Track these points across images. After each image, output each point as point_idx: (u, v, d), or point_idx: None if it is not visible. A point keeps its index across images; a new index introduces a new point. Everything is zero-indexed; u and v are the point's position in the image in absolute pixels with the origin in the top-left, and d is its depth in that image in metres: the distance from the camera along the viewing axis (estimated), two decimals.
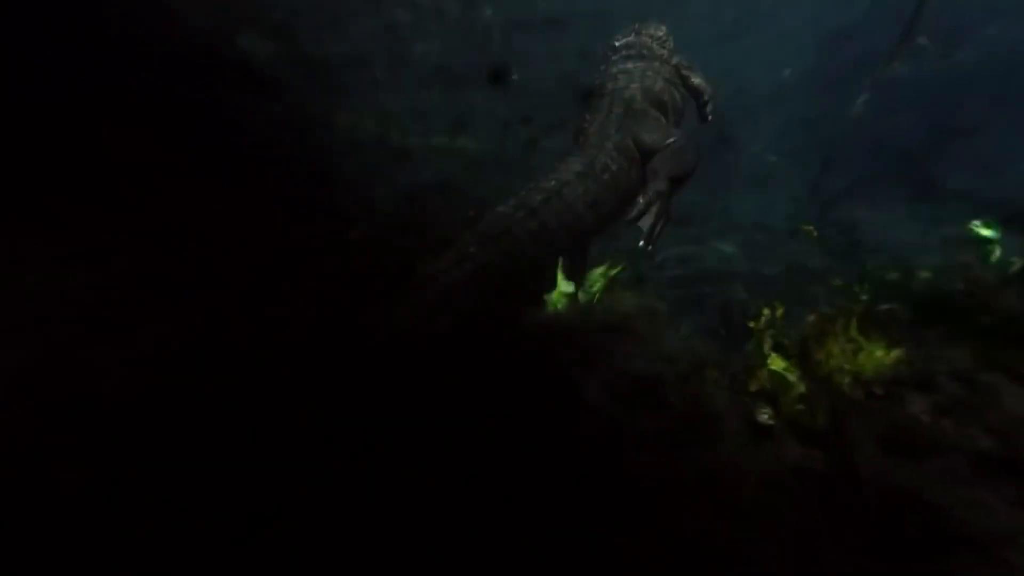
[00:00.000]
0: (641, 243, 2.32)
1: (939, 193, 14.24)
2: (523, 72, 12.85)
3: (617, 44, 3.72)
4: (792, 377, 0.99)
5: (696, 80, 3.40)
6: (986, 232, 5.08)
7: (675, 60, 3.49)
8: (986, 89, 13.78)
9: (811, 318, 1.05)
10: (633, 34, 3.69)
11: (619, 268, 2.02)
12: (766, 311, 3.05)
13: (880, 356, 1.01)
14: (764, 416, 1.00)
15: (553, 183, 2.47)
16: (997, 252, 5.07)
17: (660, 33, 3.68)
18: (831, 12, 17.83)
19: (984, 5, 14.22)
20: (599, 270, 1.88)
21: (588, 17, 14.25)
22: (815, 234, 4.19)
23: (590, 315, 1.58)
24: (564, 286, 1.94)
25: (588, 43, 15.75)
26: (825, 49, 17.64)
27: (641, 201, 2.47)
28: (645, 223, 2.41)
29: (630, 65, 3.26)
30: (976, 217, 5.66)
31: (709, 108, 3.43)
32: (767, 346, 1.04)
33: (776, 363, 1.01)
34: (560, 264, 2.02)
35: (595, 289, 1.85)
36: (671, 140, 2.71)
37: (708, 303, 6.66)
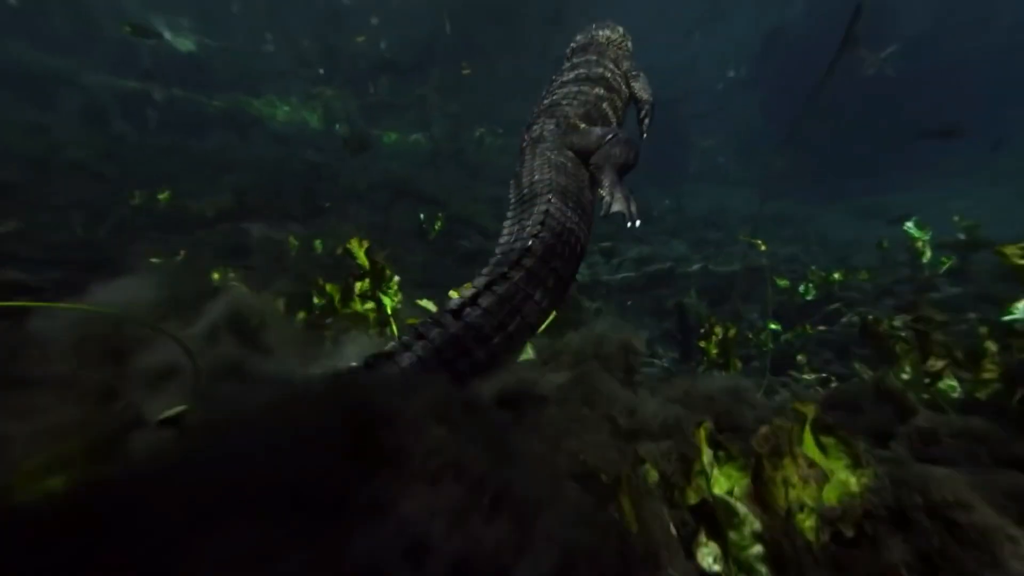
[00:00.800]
0: (628, 225, 2.21)
1: (878, 192, 15.16)
2: (477, 66, 12.48)
3: (574, 46, 3.45)
4: (741, 508, 0.78)
5: (638, 90, 3.18)
6: (918, 233, 5.29)
7: (625, 66, 3.27)
8: (924, 95, 14.68)
9: (763, 430, 0.84)
10: (589, 35, 3.44)
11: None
12: (718, 329, 2.94)
13: (844, 481, 0.83)
14: (708, 558, 0.78)
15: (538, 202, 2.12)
16: (928, 252, 5.31)
17: (616, 35, 3.44)
18: (773, 11, 18.54)
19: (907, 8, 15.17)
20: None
21: (546, 12, 14.04)
22: (763, 247, 4.25)
23: (532, 376, 1.31)
24: None
25: (545, 37, 15.58)
26: (768, 47, 18.33)
27: (604, 195, 2.34)
28: (618, 207, 2.27)
29: (576, 73, 3.05)
30: (909, 216, 5.95)
31: (647, 123, 3.16)
32: (707, 457, 0.81)
33: (720, 483, 0.80)
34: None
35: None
36: (608, 136, 2.50)
37: (664, 305, 6.68)
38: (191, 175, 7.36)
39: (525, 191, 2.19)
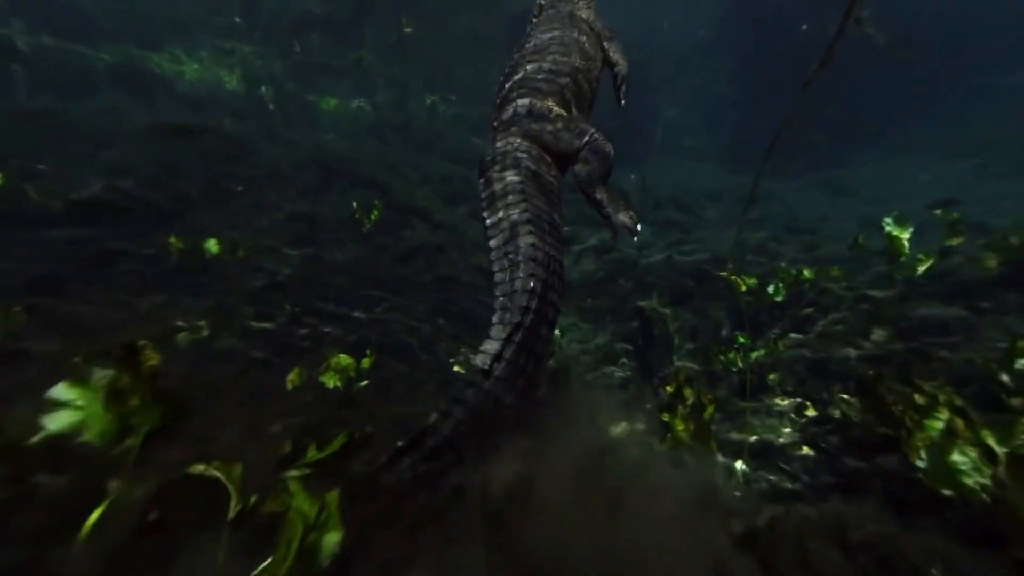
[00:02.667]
0: (635, 239, 2.37)
1: (841, 166, 14.99)
2: (423, 24, 10.98)
3: (542, 2, 3.31)
4: None
5: (614, 55, 3.06)
6: (897, 231, 4.83)
7: (599, 26, 3.11)
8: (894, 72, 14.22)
9: None
10: None
11: None
12: (688, 392, 2.29)
13: None
14: None
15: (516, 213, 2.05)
16: (906, 250, 4.87)
17: None
18: None
19: None
20: None
21: None
22: (743, 287, 3.73)
23: None
24: None
25: None
26: (737, 7, 17.40)
27: (608, 218, 2.40)
28: (621, 223, 2.32)
29: (551, 36, 2.85)
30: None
31: (624, 91, 3.13)
32: None
33: None
34: None
35: None
36: (585, 141, 2.40)
37: (626, 305, 6.08)
38: (55, 150, 5.95)
39: (500, 214, 2.08)
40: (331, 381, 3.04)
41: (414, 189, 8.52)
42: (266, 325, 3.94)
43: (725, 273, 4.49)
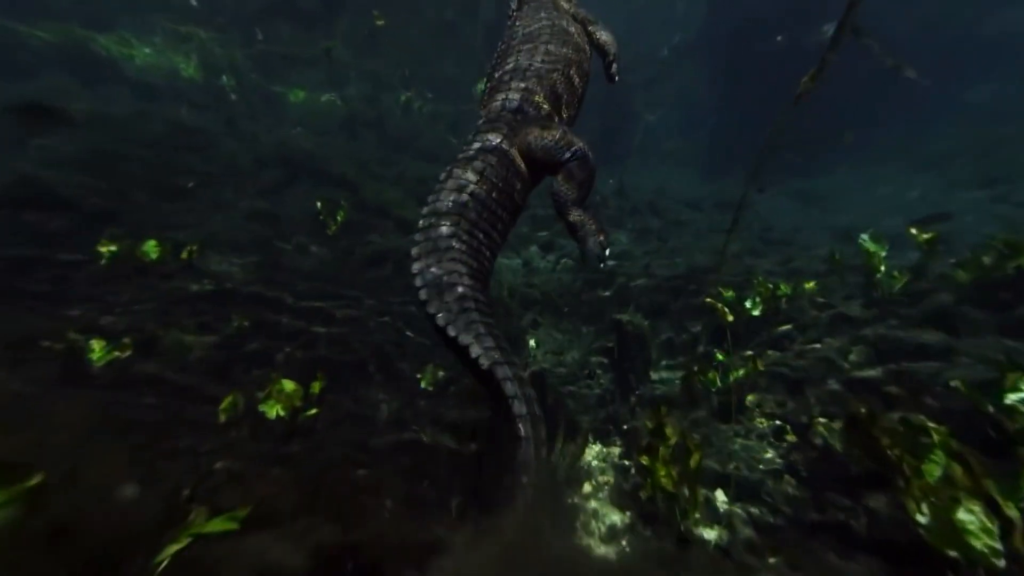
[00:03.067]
0: (602, 265, 2.30)
1: (808, 174, 15.32)
2: (398, 16, 10.56)
3: None
4: None
5: (602, 36, 3.07)
6: (873, 247, 4.80)
7: (581, 14, 3.12)
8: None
9: None
10: None
11: None
12: (670, 431, 2.06)
13: None
14: None
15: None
16: (883, 268, 4.84)
17: None
18: None
19: None
20: None
21: None
22: (730, 317, 3.62)
23: None
24: None
25: None
26: (715, 11, 17.55)
27: (578, 242, 2.38)
28: (590, 251, 2.28)
29: (540, 27, 2.81)
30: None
31: (615, 68, 3.16)
32: None
33: None
34: None
35: None
36: (567, 156, 2.33)
37: (603, 314, 5.90)
38: None
39: (430, 219, 2.01)
40: (273, 410, 2.67)
41: (386, 189, 8.12)
42: (206, 339, 3.53)
43: (710, 300, 4.32)
